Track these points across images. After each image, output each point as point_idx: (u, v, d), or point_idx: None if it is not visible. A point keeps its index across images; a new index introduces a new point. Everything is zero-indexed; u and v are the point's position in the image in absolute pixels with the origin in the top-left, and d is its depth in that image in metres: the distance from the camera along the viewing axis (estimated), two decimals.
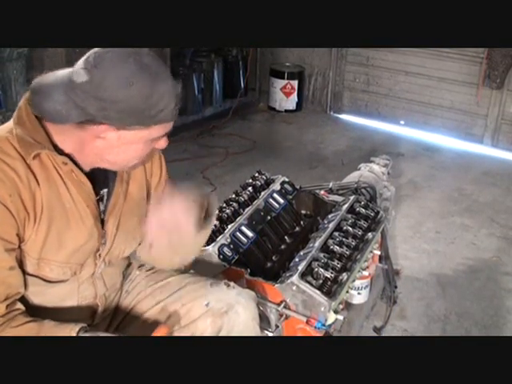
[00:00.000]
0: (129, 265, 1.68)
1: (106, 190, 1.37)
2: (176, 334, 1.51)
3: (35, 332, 1.21)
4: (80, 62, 1.18)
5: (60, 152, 1.25)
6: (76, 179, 1.27)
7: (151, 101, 1.17)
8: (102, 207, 1.37)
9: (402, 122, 4.99)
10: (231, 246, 1.93)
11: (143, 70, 1.16)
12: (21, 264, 1.27)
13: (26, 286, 1.30)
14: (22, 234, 1.23)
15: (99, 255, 1.38)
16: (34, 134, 1.22)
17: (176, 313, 1.52)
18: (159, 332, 1.28)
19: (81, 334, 1.22)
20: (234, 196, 2.18)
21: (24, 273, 1.28)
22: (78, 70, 1.16)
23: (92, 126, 1.19)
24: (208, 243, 1.90)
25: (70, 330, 1.22)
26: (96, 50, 1.19)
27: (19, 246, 1.24)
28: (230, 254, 1.91)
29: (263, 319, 1.78)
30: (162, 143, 1.31)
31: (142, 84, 1.16)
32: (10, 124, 1.25)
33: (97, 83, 1.14)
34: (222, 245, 1.91)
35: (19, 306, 1.26)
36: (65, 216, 1.28)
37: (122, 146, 1.24)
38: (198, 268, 1.89)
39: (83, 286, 1.40)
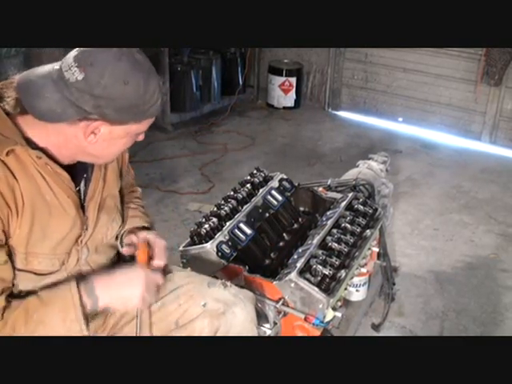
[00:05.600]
0: (123, 258, 1.68)
1: (84, 177, 1.39)
2: (173, 334, 1.51)
3: (38, 303, 1.25)
4: (69, 61, 1.18)
5: (34, 146, 1.25)
6: (52, 171, 1.28)
7: (145, 97, 1.22)
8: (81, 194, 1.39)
9: (400, 119, 4.98)
10: (229, 244, 1.92)
11: (136, 67, 1.21)
12: (11, 260, 1.27)
13: (17, 283, 1.31)
14: (8, 229, 1.24)
15: (81, 241, 1.40)
16: (4, 130, 1.22)
17: (173, 312, 1.52)
18: (141, 250, 1.32)
19: (81, 287, 1.27)
20: (232, 193, 2.18)
21: (14, 270, 1.28)
22: (70, 69, 1.17)
23: (85, 122, 1.21)
24: (206, 240, 1.91)
25: (70, 287, 1.27)
26: (82, 49, 1.20)
27: (6, 243, 1.25)
28: (228, 252, 1.90)
29: (262, 316, 1.78)
30: (142, 136, 1.36)
31: (136, 82, 1.20)
32: None
33: (93, 81, 1.16)
34: (221, 242, 1.91)
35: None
36: (47, 208, 1.29)
37: (110, 141, 1.27)
38: (197, 265, 1.89)
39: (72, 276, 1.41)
